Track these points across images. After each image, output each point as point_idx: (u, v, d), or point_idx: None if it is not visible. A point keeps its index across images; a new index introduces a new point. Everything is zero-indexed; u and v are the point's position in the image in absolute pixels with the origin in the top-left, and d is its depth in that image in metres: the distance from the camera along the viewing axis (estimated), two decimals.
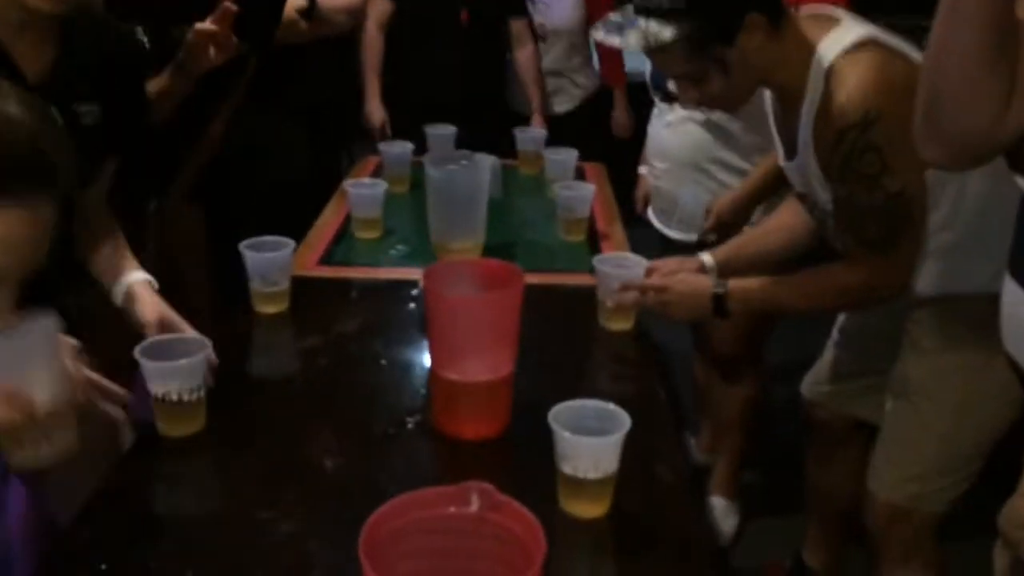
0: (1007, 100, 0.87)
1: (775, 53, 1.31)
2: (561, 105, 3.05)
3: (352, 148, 3.35)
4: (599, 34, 1.34)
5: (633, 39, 1.27)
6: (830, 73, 1.26)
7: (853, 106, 1.22)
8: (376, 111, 2.85)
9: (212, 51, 1.65)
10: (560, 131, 2.80)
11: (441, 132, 2.42)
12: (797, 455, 1.89)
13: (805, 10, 1.37)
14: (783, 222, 1.59)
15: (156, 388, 1.16)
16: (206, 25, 1.63)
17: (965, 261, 1.35)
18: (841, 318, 1.71)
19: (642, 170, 2.28)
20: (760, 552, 2.15)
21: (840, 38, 1.28)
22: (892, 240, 1.28)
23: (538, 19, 2.92)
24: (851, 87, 1.22)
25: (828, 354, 1.73)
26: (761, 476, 2.35)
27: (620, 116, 3.13)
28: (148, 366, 1.15)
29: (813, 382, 1.76)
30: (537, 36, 2.93)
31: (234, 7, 1.62)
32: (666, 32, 1.25)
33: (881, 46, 1.27)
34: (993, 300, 1.33)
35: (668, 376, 2.65)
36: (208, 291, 2.08)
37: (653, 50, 1.29)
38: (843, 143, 1.24)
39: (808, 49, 1.29)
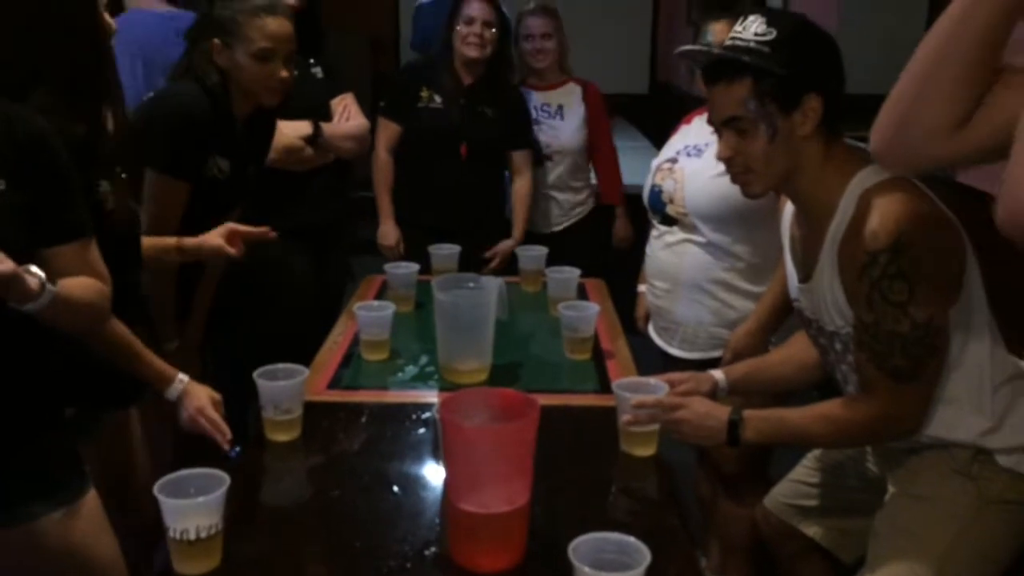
0: (969, 114, 1.04)
1: (817, 160, 1.38)
2: (562, 222, 3.12)
3: (352, 266, 3.43)
4: (683, 48, 1.45)
5: (722, 36, 1.39)
6: (864, 198, 1.32)
7: (886, 231, 1.26)
8: (391, 232, 2.89)
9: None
10: (561, 247, 2.87)
11: (445, 252, 2.48)
12: None
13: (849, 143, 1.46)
14: (796, 352, 1.62)
15: (174, 525, 1.16)
16: (226, 247, 1.80)
17: (959, 411, 1.37)
18: (819, 449, 1.71)
19: (641, 288, 2.33)
20: None
21: (877, 171, 1.35)
22: (915, 371, 1.30)
23: (544, 139, 3.01)
24: (884, 213, 1.28)
25: (795, 473, 1.74)
26: None
27: (621, 228, 3.21)
28: (167, 503, 1.15)
29: (773, 494, 1.77)
30: (543, 159, 3.02)
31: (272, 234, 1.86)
32: (768, 34, 1.35)
33: (915, 185, 1.34)
34: (981, 453, 1.36)
35: (676, 496, 2.63)
36: None
37: (728, 71, 1.37)
38: (874, 267, 1.28)
39: (847, 174, 1.36)
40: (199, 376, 2.06)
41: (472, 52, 2.74)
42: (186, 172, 1.86)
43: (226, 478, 1.20)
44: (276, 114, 2.13)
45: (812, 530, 1.67)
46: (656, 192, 2.10)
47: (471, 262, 2.47)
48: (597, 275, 2.66)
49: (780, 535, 1.74)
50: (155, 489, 1.17)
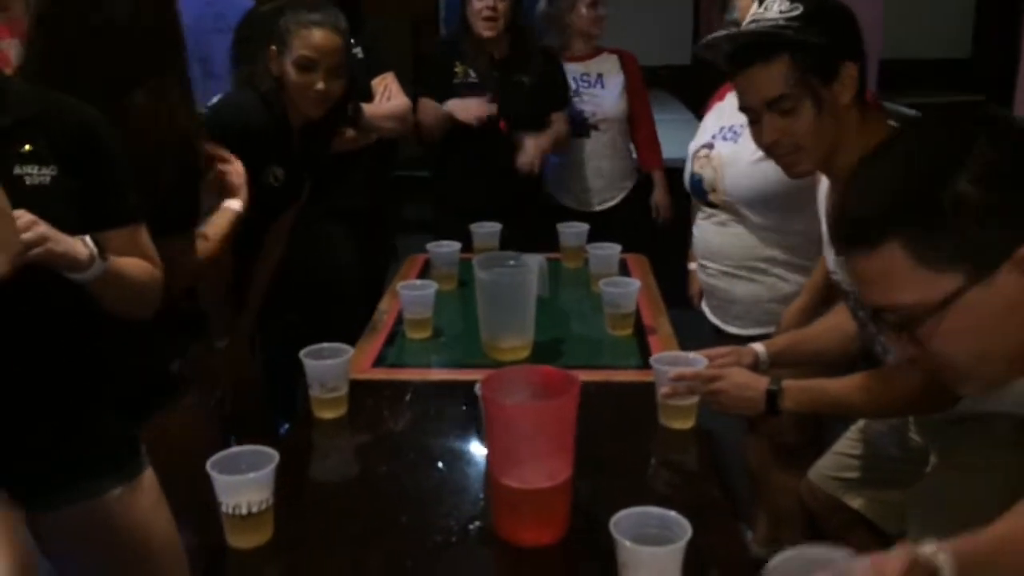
0: None
1: (855, 129, 1.37)
2: (611, 197, 3.09)
3: (397, 245, 3.45)
4: (708, 38, 1.43)
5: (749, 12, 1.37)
6: None
7: None
8: (462, 102, 2.71)
9: None
10: (611, 223, 2.87)
11: (486, 230, 2.49)
12: None
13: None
14: (836, 323, 1.61)
15: (226, 500, 1.20)
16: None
17: None
18: (862, 421, 1.71)
19: (692, 266, 2.33)
20: None
21: None
22: None
23: (588, 108, 2.98)
24: None
25: (839, 445, 1.74)
26: None
27: (661, 198, 3.17)
28: (219, 479, 1.19)
29: (818, 467, 1.76)
30: (588, 129, 3.00)
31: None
32: (794, 10, 1.33)
33: None
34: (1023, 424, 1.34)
35: (721, 468, 2.63)
36: (261, 402, 2.14)
37: (763, 50, 1.35)
38: None
39: (881, 140, 1.34)
40: (248, 359, 2.14)
41: (486, 31, 2.69)
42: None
43: (275, 455, 1.24)
44: (335, 123, 2.14)
45: (857, 502, 1.66)
46: (697, 180, 2.10)
47: (513, 239, 2.48)
48: (646, 250, 2.65)
49: (826, 508, 1.73)
50: (208, 466, 1.20)
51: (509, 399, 1.25)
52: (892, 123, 1.40)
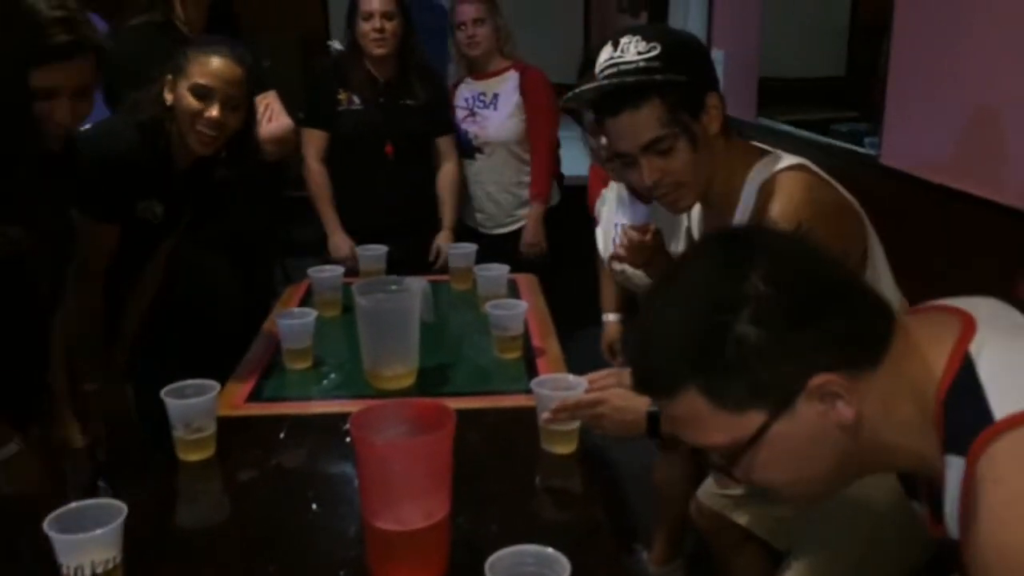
0: None
1: (723, 156, 1.38)
2: (509, 222, 3.00)
3: (286, 265, 3.32)
4: (572, 93, 1.40)
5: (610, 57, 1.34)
6: (764, 187, 1.33)
7: (786, 217, 1.27)
8: (342, 243, 2.76)
9: None
10: (512, 248, 2.84)
11: (372, 253, 2.42)
12: None
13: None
14: None
15: (67, 562, 1.09)
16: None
17: None
18: None
19: (606, 318, 2.32)
20: None
21: (776, 160, 1.37)
22: None
23: (473, 130, 2.92)
24: (784, 200, 1.29)
25: None
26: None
27: (530, 232, 2.95)
28: (58, 539, 1.08)
29: (706, 485, 1.76)
30: (472, 151, 2.95)
31: None
32: (652, 49, 1.32)
33: (812, 171, 1.35)
34: None
35: (621, 490, 2.62)
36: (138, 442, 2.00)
37: (631, 96, 1.33)
38: None
39: (746, 165, 1.38)
40: (122, 397, 2.00)
41: (377, 50, 2.64)
42: (112, 216, 1.79)
43: (123, 508, 1.13)
44: (223, 166, 2.00)
45: (743, 519, 1.66)
46: (627, 274, 2.10)
47: (405, 263, 2.41)
48: (548, 274, 2.62)
49: (714, 526, 1.73)
50: (45, 525, 1.09)
51: (380, 436, 1.19)
52: (756, 143, 1.43)
